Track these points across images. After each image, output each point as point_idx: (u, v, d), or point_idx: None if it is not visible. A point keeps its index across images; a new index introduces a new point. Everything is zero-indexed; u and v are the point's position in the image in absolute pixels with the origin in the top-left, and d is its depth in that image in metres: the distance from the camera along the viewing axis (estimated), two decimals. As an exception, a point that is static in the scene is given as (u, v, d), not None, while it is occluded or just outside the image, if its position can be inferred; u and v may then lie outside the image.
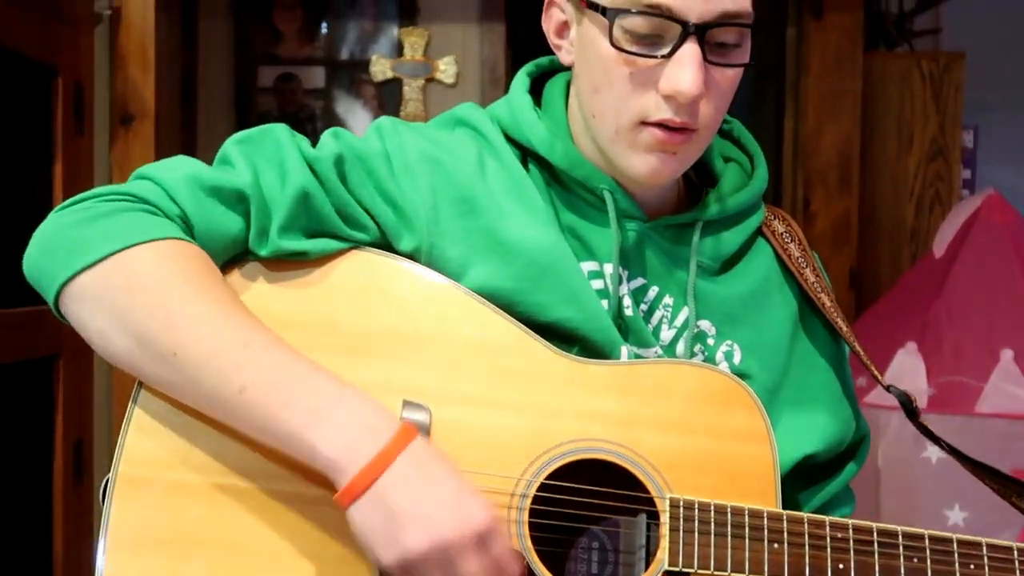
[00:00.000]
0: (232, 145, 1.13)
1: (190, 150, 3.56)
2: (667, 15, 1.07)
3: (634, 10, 1.07)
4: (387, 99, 3.78)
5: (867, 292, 3.39)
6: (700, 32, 1.07)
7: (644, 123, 1.11)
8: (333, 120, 3.80)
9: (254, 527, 1.05)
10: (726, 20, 1.08)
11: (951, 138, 3.46)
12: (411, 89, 3.75)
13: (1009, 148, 4.06)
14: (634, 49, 1.09)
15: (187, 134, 3.58)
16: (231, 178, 1.09)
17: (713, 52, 1.09)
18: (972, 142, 3.73)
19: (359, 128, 3.69)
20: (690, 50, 1.07)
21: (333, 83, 3.83)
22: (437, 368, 1.10)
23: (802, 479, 1.22)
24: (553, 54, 1.23)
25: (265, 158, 1.11)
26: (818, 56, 3.41)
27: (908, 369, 2.67)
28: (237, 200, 1.09)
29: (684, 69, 1.07)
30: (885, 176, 3.48)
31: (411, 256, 1.14)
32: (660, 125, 1.10)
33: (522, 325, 1.12)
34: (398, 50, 3.77)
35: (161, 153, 2.85)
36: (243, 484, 1.06)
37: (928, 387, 2.65)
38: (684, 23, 1.07)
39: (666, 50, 1.08)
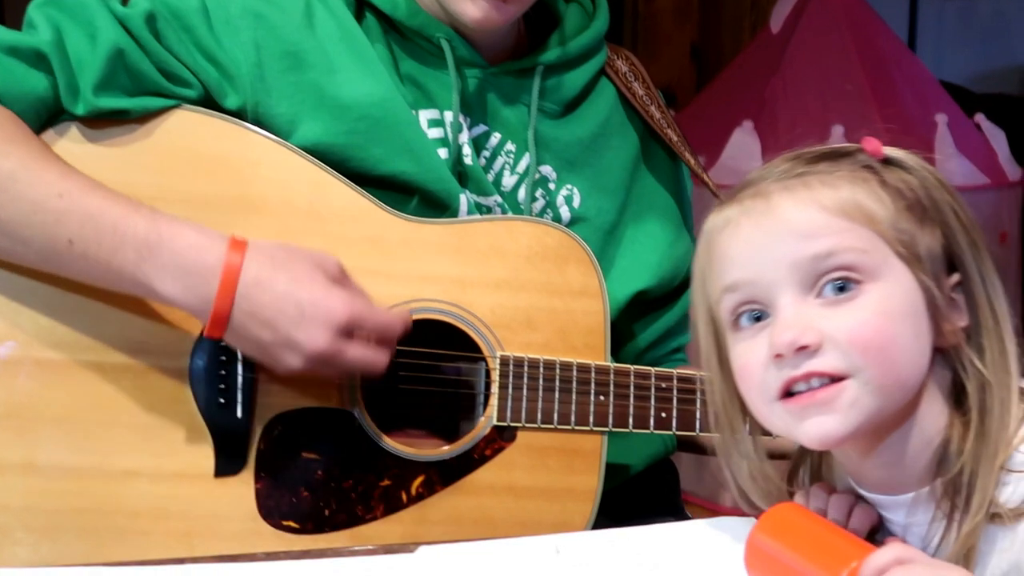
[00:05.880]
0: (35, 8, 1.08)
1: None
2: None
3: None
4: None
5: (709, 67, 3.40)
6: None
7: None
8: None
9: (86, 398, 1.05)
10: None
11: (793, -95, 3.40)
12: None
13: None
14: None
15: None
16: (29, 38, 1.06)
17: None
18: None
19: None
20: None
21: None
22: (269, 236, 1.07)
23: (637, 312, 1.26)
24: None
25: (70, 17, 1.07)
26: None
27: (744, 148, 2.72)
28: (37, 59, 1.06)
29: None
30: (727, -54, 3.43)
31: (237, 114, 1.11)
32: None
33: (356, 186, 1.11)
34: None
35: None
36: (74, 356, 1.05)
37: (763, 166, 2.71)
38: None
39: None
